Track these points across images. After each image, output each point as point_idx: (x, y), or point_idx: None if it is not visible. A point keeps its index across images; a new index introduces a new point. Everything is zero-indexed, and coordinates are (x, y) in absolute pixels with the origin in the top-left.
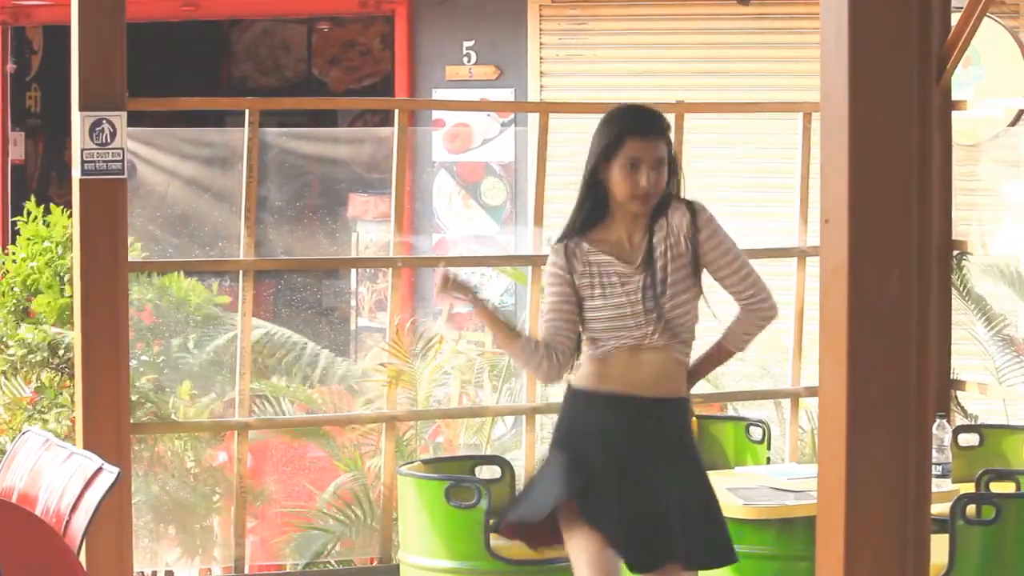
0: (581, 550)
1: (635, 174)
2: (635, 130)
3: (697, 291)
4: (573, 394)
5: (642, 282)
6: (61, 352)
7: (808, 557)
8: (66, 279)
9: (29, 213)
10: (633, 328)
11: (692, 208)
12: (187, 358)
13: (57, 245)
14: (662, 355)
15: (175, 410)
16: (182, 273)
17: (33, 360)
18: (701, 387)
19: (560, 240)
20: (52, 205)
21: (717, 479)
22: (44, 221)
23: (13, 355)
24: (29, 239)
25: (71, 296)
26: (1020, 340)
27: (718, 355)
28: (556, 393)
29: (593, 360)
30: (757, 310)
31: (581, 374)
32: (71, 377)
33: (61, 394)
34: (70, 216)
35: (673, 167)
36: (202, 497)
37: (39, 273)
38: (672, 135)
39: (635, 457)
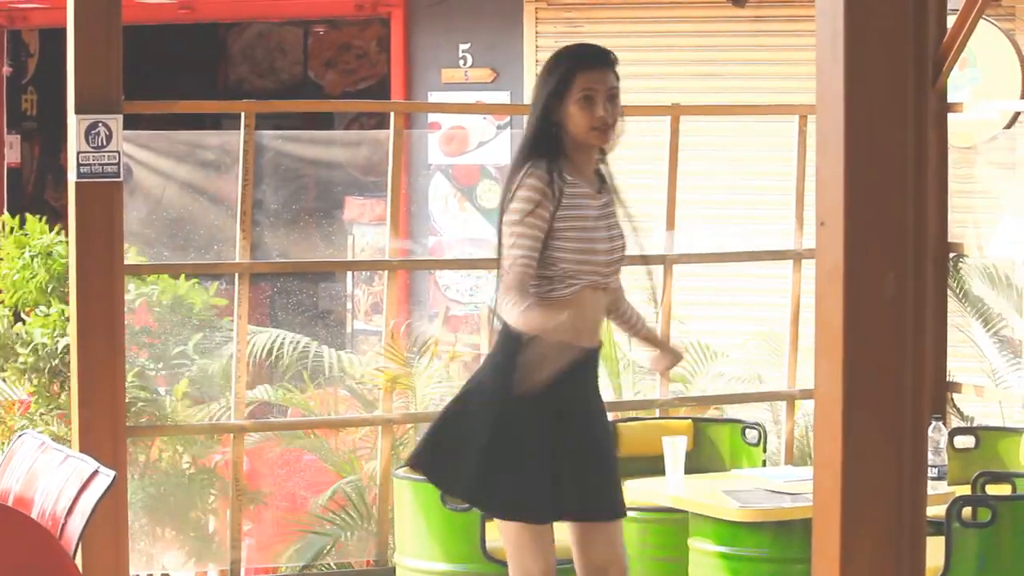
0: (530, 540)
1: (591, 106)
2: (585, 63)
3: None
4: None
5: (611, 215)
6: (67, 359)
7: (804, 559)
8: (50, 289)
9: (4, 226)
10: (603, 264)
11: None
12: (185, 363)
13: (33, 258)
14: (606, 295)
15: (172, 411)
16: (184, 276)
17: (41, 367)
18: (697, 389)
19: (534, 165)
20: (28, 215)
21: (713, 482)
22: (23, 232)
23: (24, 363)
24: (9, 254)
25: (63, 307)
26: (1018, 342)
27: None
28: None
29: (553, 304)
30: None
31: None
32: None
33: (59, 397)
34: (48, 225)
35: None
36: (198, 500)
37: (28, 292)
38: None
39: (584, 414)
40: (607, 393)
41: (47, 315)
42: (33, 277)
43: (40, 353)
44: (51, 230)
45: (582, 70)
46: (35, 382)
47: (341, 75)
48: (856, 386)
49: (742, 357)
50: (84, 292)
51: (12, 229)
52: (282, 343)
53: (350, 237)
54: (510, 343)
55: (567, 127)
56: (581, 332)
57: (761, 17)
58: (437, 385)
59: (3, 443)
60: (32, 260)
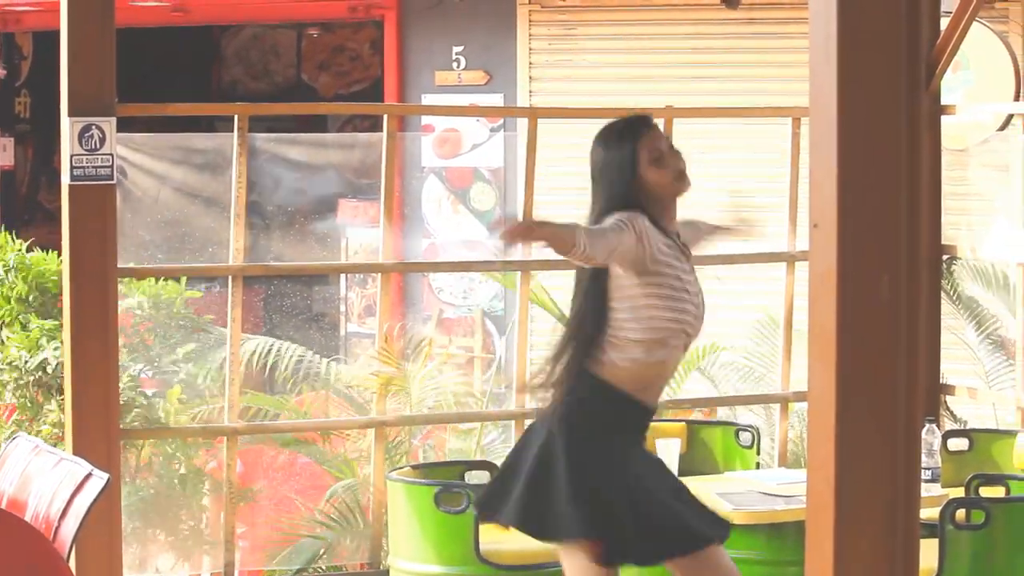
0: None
1: (665, 161)
2: (642, 127)
3: None
4: (623, 397)
5: (691, 271)
6: (49, 371)
7: (798, 562)
8: (31, 299)
9: None
10: (692, 323)
11: None
12: (177, 367)
13: (8, 272)
14: (683, 355)
15: (165, 414)
16: (174, 279)
17: (20, 382)
18: (691, 391)
19: (632, 216)
20: None
21: (707, 484)
22: None
23: (3, 381)
24: None
25: (43, 322)
26: (1011, 342)
27: None
28: None
29: (645, 363)
30: None
31: (626, 373)
32: (55, 394)
33: (42, 409)
34: (14, 235)
35: None
36: (192, 503)
37: (8, 307)
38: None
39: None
40: None
41: (27, 332)
42: (12, 290)
43: (21, 371)
44: (14, 239)
45: (643, 134)
46: (16, 395)
47: (334, 77)
48: (850, 388)
49: (735, 359)
50: (77, 295)
51: None
52: (273, 351)
53: (343, 240)
54: (589, 384)
55: (647, 189)
56: (653, 390)
57: (754, 19)
58: (431, 388)
59: None
60: (7, 274)
